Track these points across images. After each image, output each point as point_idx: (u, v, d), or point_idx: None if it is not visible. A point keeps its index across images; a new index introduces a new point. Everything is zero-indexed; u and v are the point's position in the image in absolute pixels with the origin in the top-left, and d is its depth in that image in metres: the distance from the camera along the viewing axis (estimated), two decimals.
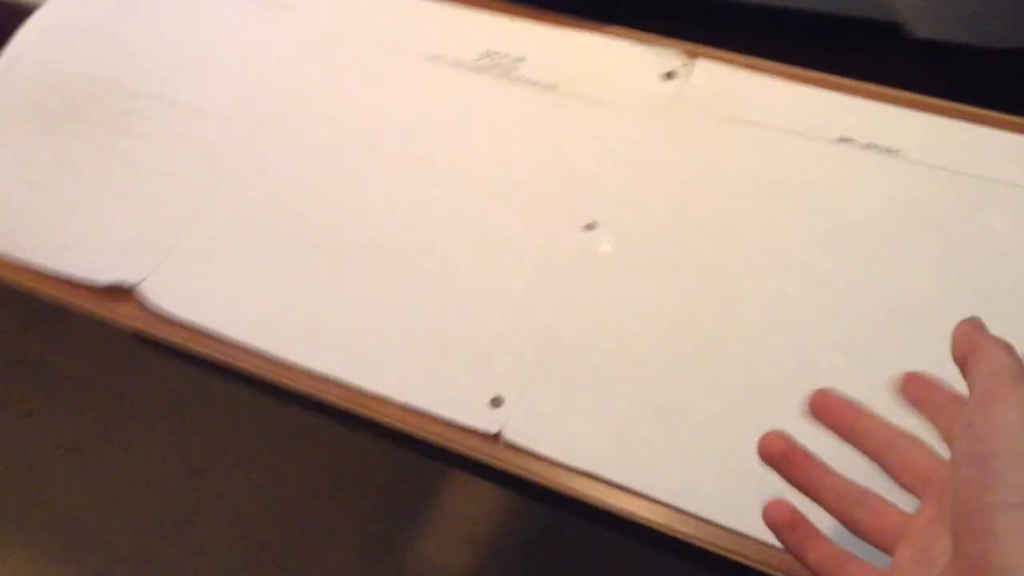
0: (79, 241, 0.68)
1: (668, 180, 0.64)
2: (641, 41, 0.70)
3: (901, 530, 0.40)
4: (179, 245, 0.66)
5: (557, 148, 0.66)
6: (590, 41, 0.71)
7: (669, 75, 0.68)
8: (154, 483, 1.48)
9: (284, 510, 1.42)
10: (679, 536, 0.52)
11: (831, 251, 0.59)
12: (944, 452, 0.40)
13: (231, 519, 1.42)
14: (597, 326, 0.59)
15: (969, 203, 0.59)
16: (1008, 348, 0.38)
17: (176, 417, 1.54)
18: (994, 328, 0.54)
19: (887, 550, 0.40)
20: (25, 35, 0.81)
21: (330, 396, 0.59)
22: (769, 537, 0.49)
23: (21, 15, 0.82)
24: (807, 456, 0.44)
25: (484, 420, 0.56)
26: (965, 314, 0.55)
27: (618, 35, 0.70)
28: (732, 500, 0.52)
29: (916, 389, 0.44)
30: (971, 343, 0.40)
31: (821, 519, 0.43)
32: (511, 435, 0.56)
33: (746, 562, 0.51)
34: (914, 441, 0.42)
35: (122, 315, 0.65)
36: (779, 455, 0.44)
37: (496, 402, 0.57)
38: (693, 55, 0.68)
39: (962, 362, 0.40)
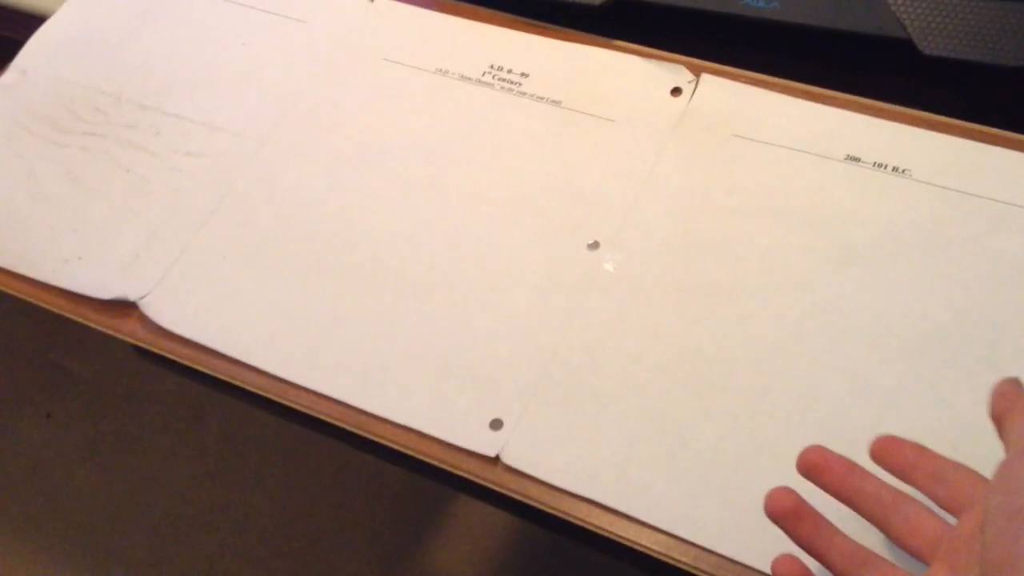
0: (82, 255, 0.68)
1: (673, 198, 0.63)
2: (646, 56, 0.69)
3: None
4: (182, 261, 0.66)
5: (561, 165, 0.66)
6: (595, 56, 0.70)
7: (675, 91, 0.67)
8: (170, 489, 1.48)
9: (298, 518, 1.43)
10: (679, 565, 0.51)
11: (838, 273, 0.58)
12: (947, 517, 0.40)
13: (246, 526, 1.43)
14: (599, 348, 0.58)
15: (979, 225, 0.58)
16: None
17: (192, 423, 1.54)
18: (1005, 354, 0.54)
19: None
20: (33, 47, 0.81)
21: (330, 416, 0.59)
22: (768, 567, 0.48)
23: (30, 26, 0.82)
24: (815, 515, 0.44)
25: (483, 443, 0.56)
26: (974, 339, 0.54)
27: (623, 50, 0.70)
28: (733, 529, 0.51)
29: (901, 455, 0.44)
30: (1012, 401, 0.40)
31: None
32: (510, 459, 0.55)
33: None
34: (918, 504, 0.42)
35: (124, 331, 0.65)
36: (787, 513, 0.44)
37: (496, 424, 0.56)
38: (698, 71, 0.67)
39: (1000, 418, 0.41)
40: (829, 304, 0.57)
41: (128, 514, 1.47)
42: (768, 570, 0.49)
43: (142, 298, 0.65)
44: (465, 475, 0.56)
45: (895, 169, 0.61)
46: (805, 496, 0.44)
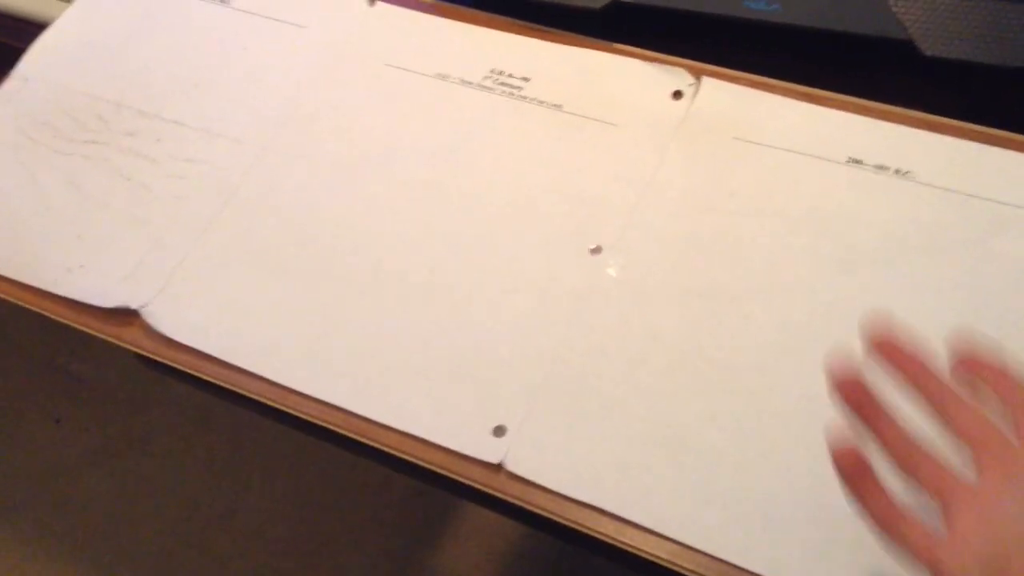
0: (84, 264, 0.68)
1: (675, 202, 0.63)
2: (648, 60, 0.69)
3: (957, 489, 0.40)
4: (183, 268, 0.66)
5: (562, 169, 0.66)
6: (596, 60, 0.70)
7: (676, 94, 0.67)
8: (179, 492, 1.49)
9: (307, 520, 1.43)
10: (685, 572, 0.51)
11: (841, 276, 0.57)
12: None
13: (255, 529, 1.43)
14: (602, 353, 0.58)
15: (982, 227, 0.57)
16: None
17: (201, 427, 1.55)
18: (1010, 355, 0.53)
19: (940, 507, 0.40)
20: (34, 54, 0.81)
21: (333, 424, 0.59)
22: (773, 574, 0.48)
23: (31, 34, 0.82)
24: (875, 395, 0.43)
25: (486, 450, 0.56)
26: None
27: (624, 54, 0.70)
28: (740, 535, 0.51)
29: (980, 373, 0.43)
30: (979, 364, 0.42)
31: None
32: (513, 465, 0.55)
33: None
34: (971, 400, 0.42)
35: (126, 339, 0.65)
36: (849, 382, 0.43)
37: (499, 431, 0.56)
38: (699, 74, 0.67)
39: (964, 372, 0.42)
40: (833, 307, 0.57)
41: (137, 518, 1.48)
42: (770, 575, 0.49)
43: (144, 306, 0.65)
44: (468, 482, 0.55)
45: (897, 171, 0.61)
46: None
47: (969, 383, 0.42)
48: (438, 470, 0.56)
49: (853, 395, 0.43)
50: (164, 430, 1.57)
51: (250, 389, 0.61)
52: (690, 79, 0.67)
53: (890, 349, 0.44)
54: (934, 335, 0.54)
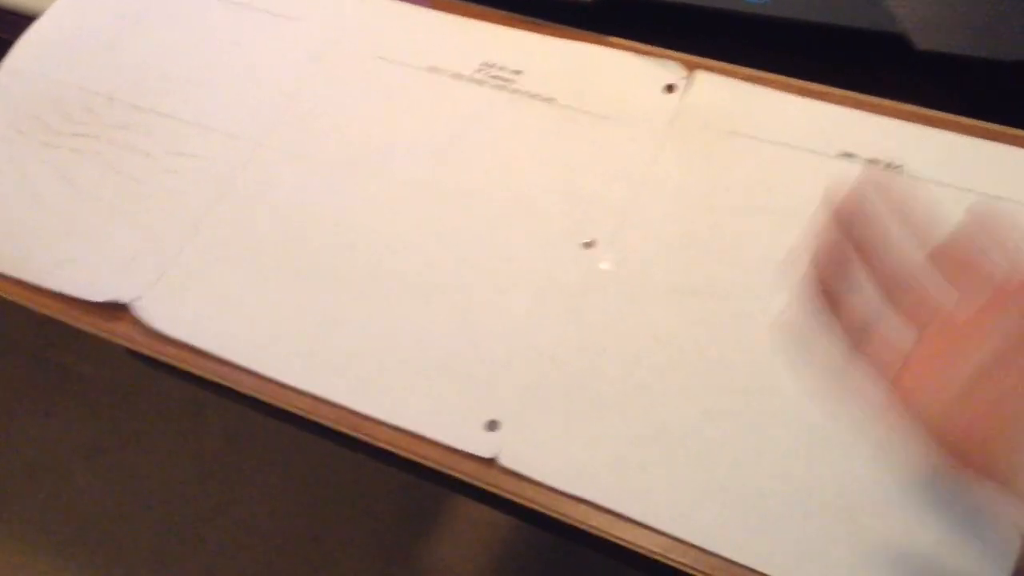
0: (75, 258, 0.67)
1: (668, 195, 0.63)
2: (640, 53, 0.68)
3: (934, 315, 0.41)
4: (176, 263, 0.66)
5: (555, 162, 0.66)
6: (589, 53, 0.70)
7: (669, 88, 0.67)
8: (171, 487, 1.49)
9: (299, 515, 1.43)
10: (678, 566, 0.51)
11: None
12: None
13: (247, 524, 1.43)
14: (596, 348, 0.58)
15: None
16: None
17: (192, 421, 1.55)
18: None
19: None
20: (23, 46, 0.80)
21: (327, 419, 0.59)
22: (767, 568, 0.48)
23: (19, 26, 0.81)
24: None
25: (480, 444, 0.56)
26: None
27: (617, 47, 0.69)
28: (733, 530, 0.51)
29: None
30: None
31: None
32: (507, 460, 0.55)
33: None
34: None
35: (118, 333, 0.65)
36: (850, 212, 0.43)
37: (492, 426, 0.56)
38: (692, 67, 0.67)
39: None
40: None
41: (128, 512, 1.48)
42: (767, 571, 0.49)
43: (135, 300, 0.64)
44: (462, 477, 0.55)
45: (889, 165, 0.61)
46: None
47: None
48: (432, 465, 0.56)
49: (848, 219, 0.43)
50: (156, 424, 1.57)
51: (242, 384, 0.61)
52: (683, 72, 0.67)
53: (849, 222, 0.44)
54: None
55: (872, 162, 0.61)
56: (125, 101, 0.75)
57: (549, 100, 0.68)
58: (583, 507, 0.53)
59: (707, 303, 0.58)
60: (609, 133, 0.66)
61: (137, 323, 0.64)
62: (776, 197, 0.61)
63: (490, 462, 0.55)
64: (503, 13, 0.73)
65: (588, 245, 0.62)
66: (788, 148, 0.63)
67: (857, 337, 0.42)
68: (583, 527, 0.53)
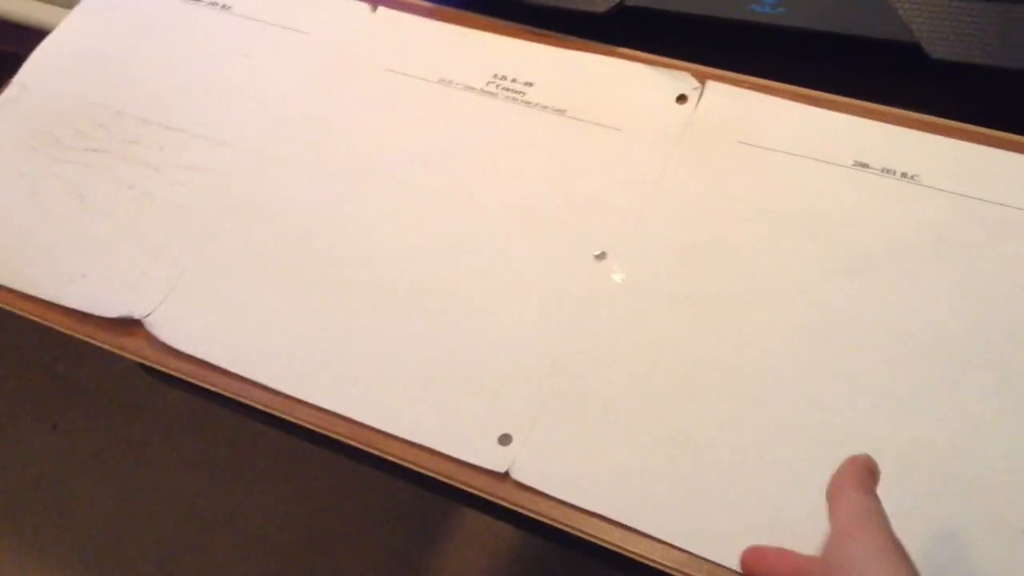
0: (86, 273, 0.67)
1: (680, 207, 0.62)
2: (651, 64, 0.68)
3: None
4: (187, 277, 0.66)
5: (567, 174, 0.65)
6: (600, 64, 0.70)
7: (680, 99, 0.67)
8: (178, 498, 1.48)
9: (306, 525, 1.43)
10: None
11: (847, 281, 0.57)
12: None
13: (253, 535, 1.43)
14: (608, 360, 0.58)
15: (989, 231, 0.57)
16: (867, 489, 0.42)
17: (199, 432, 1.54)
18: (1019, 361, 0.53)
19: None
20: (35, 61, 0.80)
21: (339, 434, 0.59)
22: None
23: (31, 41, 0.82)
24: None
25: (492, 459, 0.55)
26: (986, 347, 0.54)
27: (628, 58, 0.69)
28: (746, 543, 0.50)
29: (761, 563, 0.48)
30: (835, 486, 0.44)
31: None
32: (519, 474, 0.55)
33: None
34: None
35: (130, 349, 0.65)
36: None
37: (505, 440, 0.56)
38: (704, 78, 0.67)
39: (829, 498, 0.44)
40: (840, 313, 0.56)
41: (135, 524, 1.47)
42: None
43: (148, 315, 0.64)
44: (474, 491, 0.55)
45: (903, 175, 0.60)
46: None
47: None
48: (444, 480, 0.56)
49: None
50: (162, 435, 1.57)
51: (254, 399, 0.61)
52: (694, 83, 0.67)
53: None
54: (940, 339, 0.55)
55: (886, 172, 0.61)
56: (135, 115, 0.75)
57: (560, 112, 0.68)
58: (596, 521, 0.53)
59: (719, 313, 0.58)
60: (620, 144, 0.66)
61: (149, 338, 0.64)
62: (789, 207, 0.61)
63: (503, 476, 0.55)
64: (514, 25, 0.73)
65: (599, 256, 0.61)
66: (801, 158, 0.62)
67: None
68: (597, 541, 0.53)
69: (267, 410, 0.60)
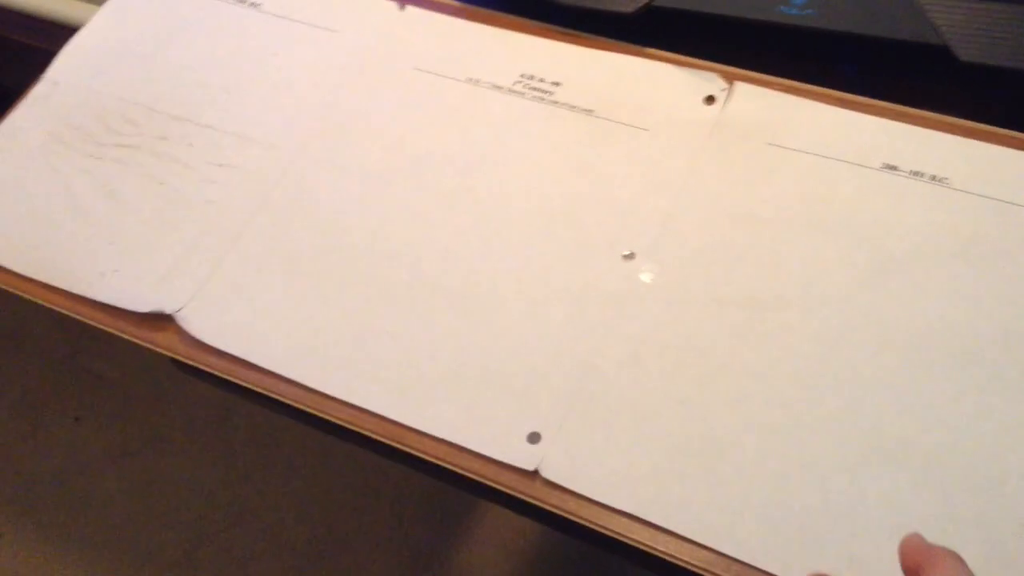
0: (118, 268, 0.68)
1: (708, 208, 0.63)
2: (679, 64, 0.69)
3: None
4: (218, 273, 0.66)
5: (595, 174, 0.66)
6: (628, 65, 0.70)
7: (708, 99, 0.67)
8: (199, 491, 1.49)
9: (327, 519, 1.44)
10: None
11: (876, 284, 0.57)
12: None
13: (275, 528, 1.44)
14: (637, 360, 0.58)
15: (1019, 234, 0.57)
16: (959, 559, 0.40)
17: (221, 426, 1.55)
18: None
19: None
20: (65, 58, 0.81)
21: (369, 430, 0.59)
22: None
23: (62, 37, 0.82)
24: None
25: (521, 456, 0.56)
26: (1015, 352, 0.54)
27: (656, 58, 0.69)
28: (776, 544, 0.51)
29: None
30: (924, 553, 0.42)
31: None
32: (548, 472, 0.55)
33: None
34: None
35: (162, 344, 0.65)
36: None
37: (534, 438, 0.56)
38: (732, 79, 0.67)
39: (914, 571, 0.42)
40: (870, 316, 0.56)
41: (156, 516, 1.49)
42: None
43: (179, 311, 0.65)
44: (504, 489, 0.56)
45: (933, 178, 0.60)
46: None
47: None
48: (474, 477, 0.56)
49: None
50: (183, 428, 1.58)
51: (286, 395, 0.61)
52: (723, 84, 0.67)
53: None
54: (969, 344, 0.55)
55: (915, 174, 0.61)
56: (166, 112, 0.76)
57: (588, 112, 0.69)
58: (625, 520, 0.53)
59: (747, 314, 0.58)
60: (648, 144, 0.66)
61: (180, 333, 0.65)
62: (817, 209, 0.61)
63: (532, 474, 0.55)
64: (542, 25, 0.73)
65: (628, 256, 0.62)
66: (829, 160, 0.63)
67: None
68: (625, 540, 0.53)
69: (298, 406, 0.61)
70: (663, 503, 0.53)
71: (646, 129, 0.67)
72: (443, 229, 0.65)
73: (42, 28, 0.87)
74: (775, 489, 0.52)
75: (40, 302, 0.69)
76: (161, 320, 0.66)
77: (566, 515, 0.54)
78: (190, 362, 0.64)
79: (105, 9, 0.83)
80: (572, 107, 0.69)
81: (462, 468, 0.57)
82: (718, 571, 0.51)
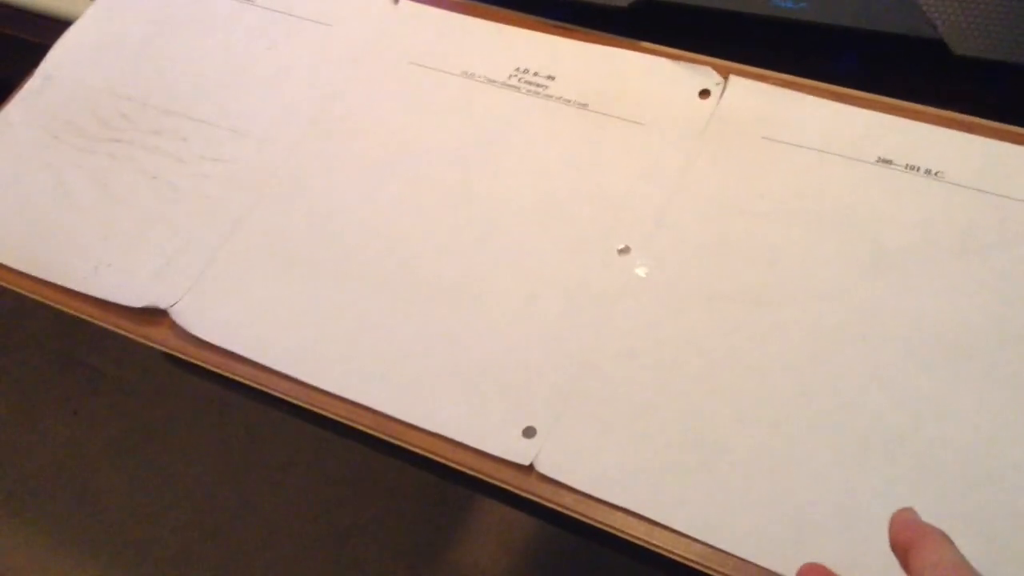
0: (112, 263, 0.68)
1: (703, 202, 0.63)
2: (674, 58, 0.68)
3: None
4: (212, 268, 0.66)
5: (589, 168, 0.66)
6: (622, 58, 0.70)
7: (703, 93, 0.67)
8: (197, 486, 1.49)
9: (325, 514, 1.44)
10: (712, 574, 0.51)
11: (871, 279, 0.57)
12: None
13: (273, 523, 1.44)
14: (632, 355, 0.58)
15: (1015, 229, 0.57)
16: (948, 538, 0.40)
17: (219, 420, 1.55)
18: None
19: None
20: (58, 52, 0.81)
21: (364, 425, 0.59)
22: None
23: (55, 31, 0.82)
24: None
25: (516, 451, 0.56)
26: (1011, 347, 0.54)
27: (651, 52, 0.69)
28: (772, 540, 0.51)
29: None
30: (914, 531, 0.42)
31: None
32: (544, 467, 0.55)
33: None
34: None
35: (155, 338, 0.65)
36: None
37: (529, 432, 0.56)
38: (727, 72, 0.67)
39: (903, 549, 0.42)
40: (865, 310, 0.56)
41: (155, 510, 1.49)
42: None
43: (172, 305, 0.65)
44: (499, 483, 0.56)
45: (928, 171, 0.60)
46: None
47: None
48: (470, 472, 0.56)
49: None
50: (182, 423, 1.58)
51: (280, 389, 0.61)
52: (717, 78, 0.67)
53: None
54: (965, 339, 0.55)
55: (911, 168, 0.60)
56: (159, 106, 0.76)
57: (582, 105, 0.68)
58: (621, 515, 0.53)
59: (742, 309, 0.58)
60: (643, 139, 0.66)
61: (174, 328, 0.64)
62: (811, 203, 0.61)
63: (528, 469, 0.55)
64: (536, 19, 0.73)
65: (623, 251, 0.62)
66: (824, 154, 0.62)
67: None
68: (621, 535, 0.53)
69: (293, 401, 0.61)
70: (659, 498, 0.53)
71: (641, 123, 0.67)
72: (438, 223, 0.65)
73: (35, 22, 0.86)
74: (771, 484, 0.52)
75: (33, 297, 0.68)
76: (155, 315, 0.66)
77: (562, 510, 0.54)
78: (185, 357, 0.64)
79: (98, 3, 0.83)
80: (567, 101, 0.69)
81: (458, 463, 0.57)
82: (714, 566, 0.51)
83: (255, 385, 0.62)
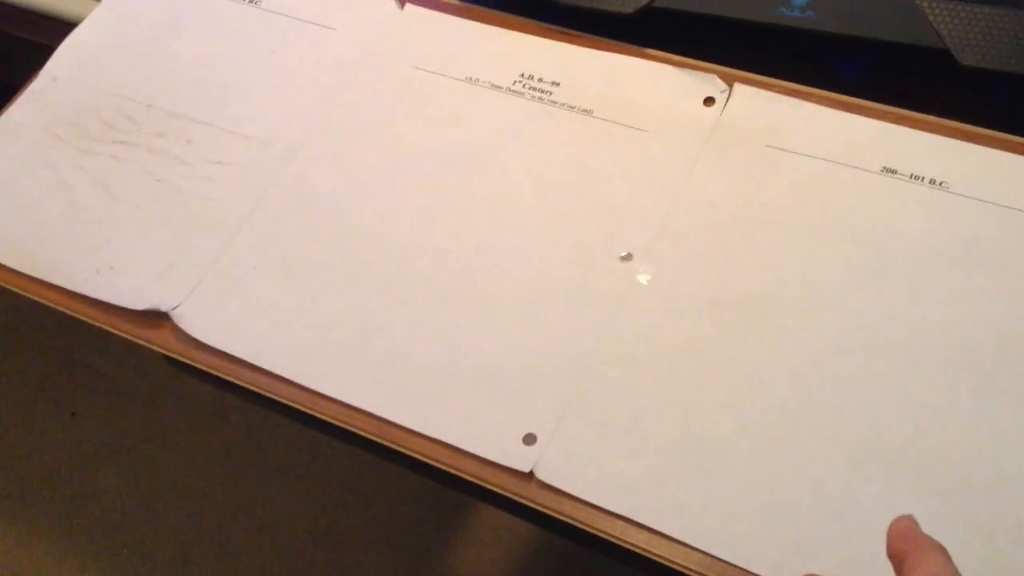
0: (114, 265, 0.68)
1: (706, 210, 0.62)
2: (679, 66, 0.68)
3: None
4: (214, 271, 0.66)
5: (593, 175, 0.65)
6: (627, 65, 0.70)
7: (708, 101, 0.66)
8: (195, 488, 1.49)
9: (323, 517, 1.43)
10: None
11: (874, 288, 0.57)
12: None
13: (271, 525, 1.44)
14: (633, 362, 0.58)
15: (1018, 239, 0.57)
16: (945, 553, 0.40)
17: (217, 422, 1.55)
18: None
19: None
20: (63, 53, 0.81)
21: (364, 430, 0.59)
22: None
23: (60, 32, 0.82)
24: None
25: (516, 458, 0.56)
26: (1012, 357, 0.53)
27: (656, 59, 0.69)
28: (771, 548, 0.51)
29: None
30: (911, 541, 0.41)
31: None
32: (544, 474, 0.55)
33: None
34: None
35: (156, 341, 0.65)
36: None
37: (529, 439, 0.56)
38: (732, 80, 0.67)
39: (898, 560, 0.41)
40: (867, 319, 0.56)
41: (153, 512, 1.48)
42: None
43: (174, 308, 0.65)
44: (498, 490, 0.55)
45: (932, 181, 0.60)
46: None
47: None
48: (469, 478, 0.56)
49: None
50: (180, 424, 1.57)
51: (280, 393, 0.61)
52: (722, 86, 0.67)
53: None
54: (966, 348, 0.55)
55: (915, 178, 0.60)
56: (163, 109, 0.76)
57: (587, 112, 0.68)
58: (620, 523, 0.53)
59: (744, 317, 0.58)
60: (647, 146, 0.66)
61: (175, 331, 0.64)
62: (815, 212, 0.61)
63: (527, 476, 0.55)
64: (541, 24, 0.73)
65: (625, 258, 0.62)
66: (828, 163, 0.62)
67: None
68: (620, 543, 0.53)
69: (293, 405, 0.61)
70: (658, 506, 0.53)
71: (645, 130, 0.67)
72: (440, 228, 0.65)
73: (40, 23, 0.86)
74: (770, 492, 0.52)
75: (35, 298, 0.68)
76: (156, 318, 0.65)
77: (561, 517, 0.54)
78: (185, 360, 0.64)
79: (104, 5, 0.83)
80: (571, 107, 0.69)
81: (457, 469, 0.57)
82: (712, 575, 0.51)
83: (256, 389, 0.62)
